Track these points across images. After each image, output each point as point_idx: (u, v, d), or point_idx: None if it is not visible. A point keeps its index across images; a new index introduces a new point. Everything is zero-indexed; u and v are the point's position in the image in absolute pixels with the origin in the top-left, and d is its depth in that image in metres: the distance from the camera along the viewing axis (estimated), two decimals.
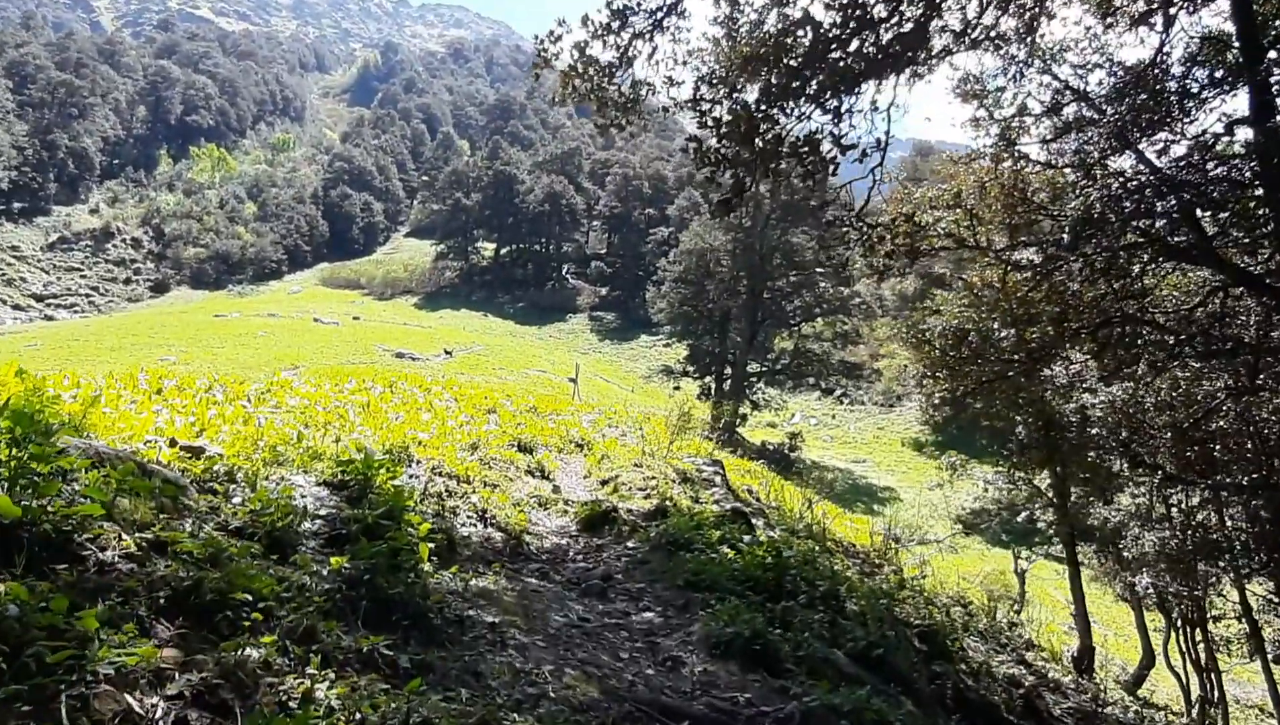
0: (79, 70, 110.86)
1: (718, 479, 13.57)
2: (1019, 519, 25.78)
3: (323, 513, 6.00)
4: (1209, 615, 18.51)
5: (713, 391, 54.44)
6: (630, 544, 9.01)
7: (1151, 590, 18.14)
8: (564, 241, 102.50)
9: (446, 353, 57.38)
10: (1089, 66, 12.64)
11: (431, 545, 6.13)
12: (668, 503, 10.98)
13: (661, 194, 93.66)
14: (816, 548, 11.87)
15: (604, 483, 12.45)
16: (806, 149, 9.44)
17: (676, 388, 57.74)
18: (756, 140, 9.37)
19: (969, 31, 9.57)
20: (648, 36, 10.23)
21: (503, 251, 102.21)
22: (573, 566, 7.98)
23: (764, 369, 54.99)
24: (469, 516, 8.80)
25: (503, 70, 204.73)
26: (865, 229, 11.44)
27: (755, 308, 52.15)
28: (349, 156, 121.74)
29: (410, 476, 9.46)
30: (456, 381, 26.87)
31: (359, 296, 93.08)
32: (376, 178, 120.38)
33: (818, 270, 49.40)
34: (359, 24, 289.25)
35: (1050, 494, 22.08)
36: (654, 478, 12.49)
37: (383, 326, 70.82)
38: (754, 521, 13.07)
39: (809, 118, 9.66)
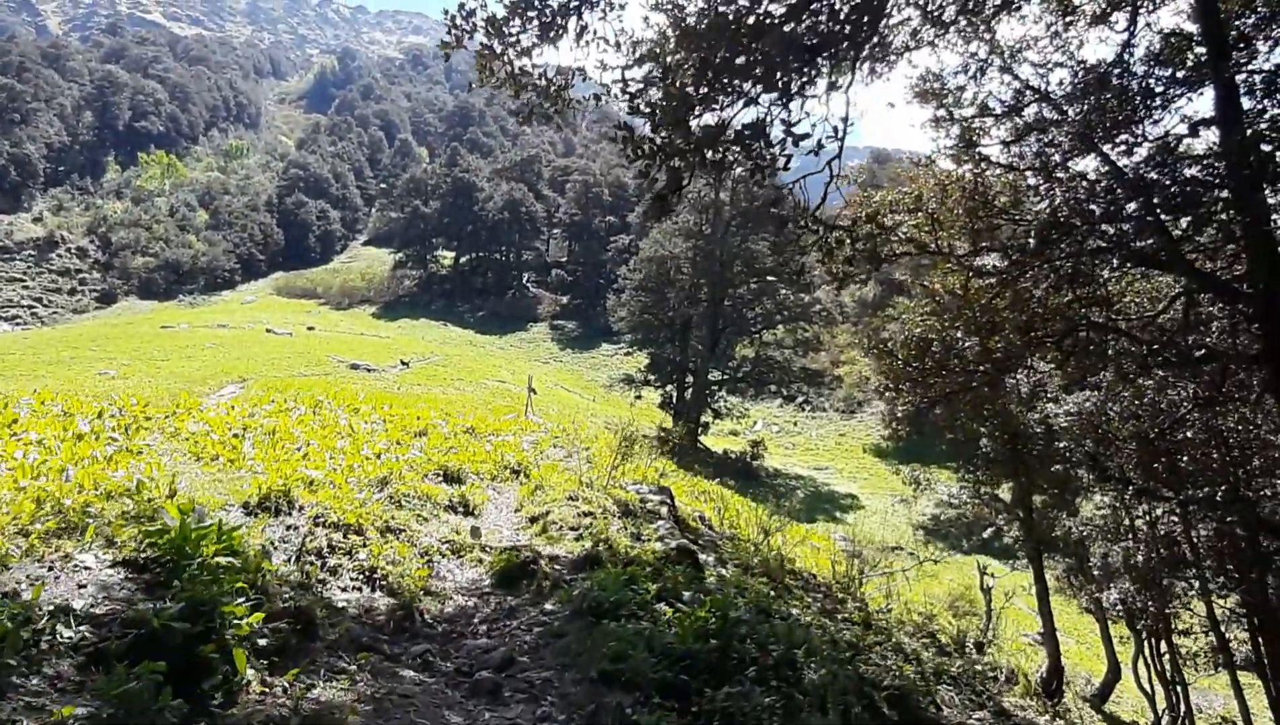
0: (21, 74, 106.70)
1: (664, 510, 12.24)
2: (984, 535, 24.89)
3: (100, 610, 4.56)
4: (1175, 628, 17.89)
5: (674, 400, 53.31)
6: (550, 605, 7.65)
7: (1120, 605, 17.59)
8: (524, 250, 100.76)
9: (403, 363, 55.58)
10: (1050, 65, 12.08)
11: (265, 641, 4.74)
12: (601, 546, 9.64)
13: (622, 201, 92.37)
14: (772, 591, 10.61)
15: (534, 519, 11.08)
16: (751, 136, 8.17)
17: (638, 396, 56.53)
18: (693, 125, 8.10)
19: (930, 11, 8.41)
20: (574, 11, 8.92)
21: (462, 260, 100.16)
22: (470, 645, 6.59)
23: (725, 377, 53.97)
24: (352, 579, 7.39)
25: (462, 77, 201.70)
26: (823, 232, 10.22)
27: (716, 315, 51.16)
28: (305, 164, 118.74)
29: (288, 527, 8.04)
30: (392, 398, 25.33)
31: (315, 306, 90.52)
32: (334, 185, 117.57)
33: (770, 278, 48.51)
34: (316, 30, 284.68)
35: (1016, 509, 21.21)
36: (591, 512, 11.15)
37: (338, 337, 68.73)
38: (704, 557, 11.79)
39: (755, 100, 8.40)
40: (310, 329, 71.23)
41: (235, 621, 4.75)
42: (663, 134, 8.61)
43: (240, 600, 5.08)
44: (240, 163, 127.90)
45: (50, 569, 4.87)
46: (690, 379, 52.77)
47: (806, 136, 8.82)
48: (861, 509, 42.55)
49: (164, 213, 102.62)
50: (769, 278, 49.09)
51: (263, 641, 4.94)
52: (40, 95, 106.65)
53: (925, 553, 18.09)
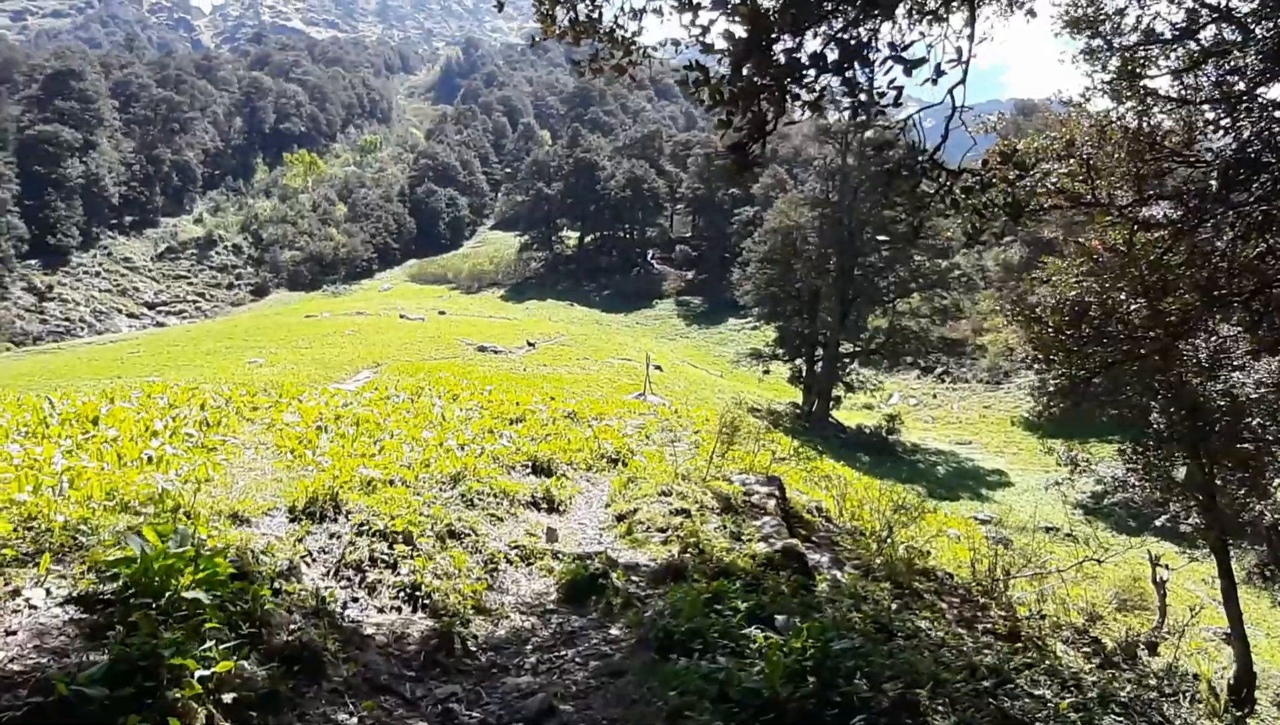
0: (179, 86, 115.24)
1: (771, 504, 10.86)
2: (1160, 523, 21.98)
3: (18, 667, 3.75)
4: None
5: (804, 374, 51.28)
6: (615, 630, 6.51)
7: None
8: (647, 226, 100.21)
9: (530, 344, 56.15)
10: None
11: (237, 694, 3.83)
12: (690, 552, 8.41)
13: (753, 175, 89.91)
14: (896, 600, 9.09)
15: (621, 518, 9.97)
16: (849, 61, 6.63)
17: (766, 371, 54.85)
18: (776, 53, 6.64)
19: None
20: None
21: (586, 239, 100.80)
22: (509, 684, 5.52)
23: (857, 349, 51.35)
24: (391, 597, 6.49)
25: (581, 54, 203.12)
26: (945, 179, 8.48)
27: (846, 286, 48.69)
28: (433, 153, 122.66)
29: (331, 536, 7.24)
30: (507, 379, 24.89)
31: (446, 291, 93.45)
32: (460, 173, 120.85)
33: (896, 243, 45.31)
34: (441, 23, 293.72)
35: (1195, 493, 18.40)
36: (685, 509, 9.93)
37: (468, 320, 70.38)
38: (816, 557, 10.37)
39: (853, 20, 6.84)
40: (441, 313, 73.28)
41: (189, 677, 3.83)
42: (743, 71, 7.17)
43: (209, 644, 4.18)
44: (374, 156, 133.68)
45: None
46: (820, 352, 50.58)
47: (920, 62, 7.14)
48: (1010, 486, 39.42)
49: (307, 208, 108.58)
50: (903, 244, 46.08)
51: (230, 696, 4.02)
52: (196, 104, 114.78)
53: (1085, 549, 15.76)
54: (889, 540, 11.56)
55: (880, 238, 46.40)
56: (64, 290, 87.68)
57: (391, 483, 9.01)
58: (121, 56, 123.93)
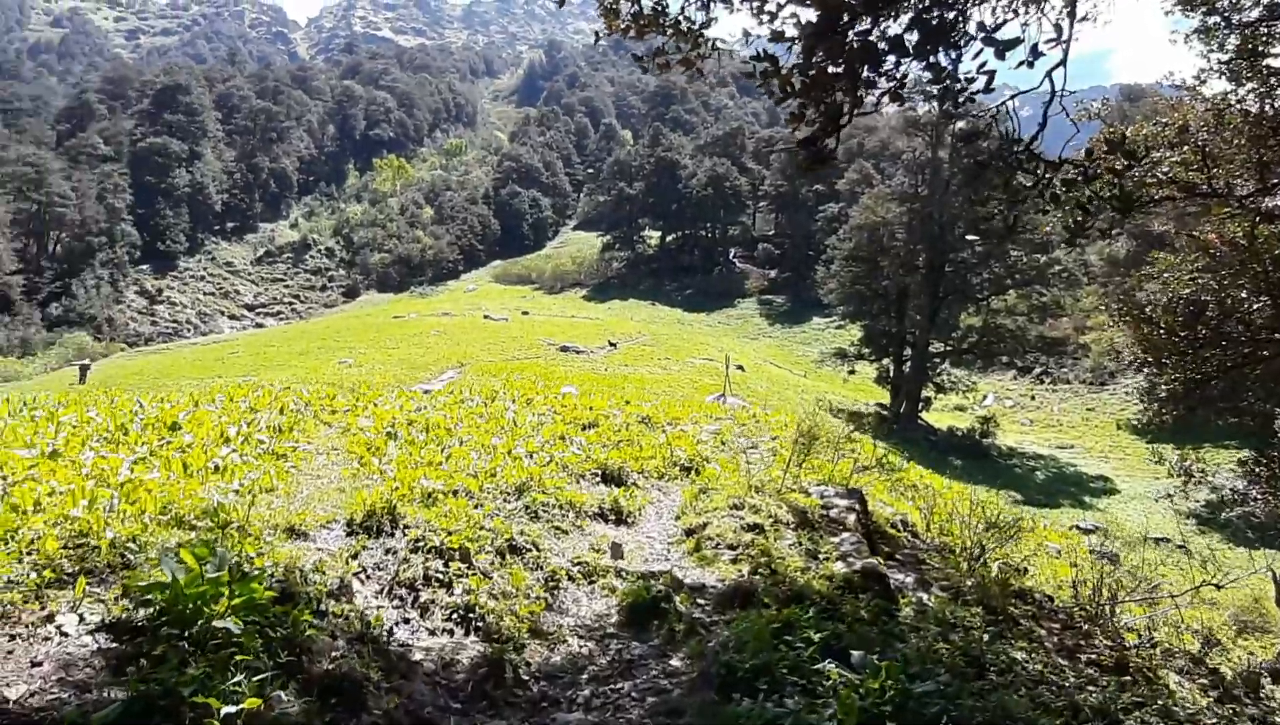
0: (276, 97, 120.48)
1: (850, 518, 10.23)
2: None
3: (39, 702, 3.59)
4: None
5: (891, 374, 49.77)
6: (676, 661, 6.09)
7: None
8: (729, 225, 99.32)
9: (611, 344, 56.20)
10: None
11: None
12: (761, 573, 7.92)
13: (829, 169, 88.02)
14: (989, 628, 8.38)
15: (689, 532, 9.52)
16: (933, 43, 6.03)
17: (851, 372, 53.47)
18: (850, 37, 6.11)
19: None
20: None
21: (668, 239, 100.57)
22: (560, 720, 5.17)
23: (948, 348, 49.48)
24: (444, 619, 6.23)
25: (664, 57, 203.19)
26: (1044, 171, 7.75)
27: (936, 283, 47.00)
28: (517, 156, 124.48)
29: (387, 552, 7.04)
30: (589, 378, 24.68)
31: (530, 291, 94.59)
32: (543, 174, 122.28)
33: (990, 239, 43.26)
34: (524, 26, 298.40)
35: None
36: (758, 524, 9.43)
37: (550, 320, 70.98)
38: (900, 578, 9.70)
39: (939, 1, 6.23)
40: (525, 314, 74.12)
41: (213, 716, 3.61)
42: (814, 58, 6.64)
43: (238, 678, 3.97)
44: (459, 160, 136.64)
45: (14, 638, 4.00)
46: (908, 352, 48.98)
47: (1013, 43, 6.47)
48: (1115, 493, 37.23)
49: (395, 211, 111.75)
50: (998, 239, 44.09)
51: None
52: (292, 114, 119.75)
53: (1201, 572, 14.50)
54: (982, 559, 10.76)
55: (970, 237, 44.50)
56: (172, 293, 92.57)
57: (454, 493, 8.80)
58: (224, 70, 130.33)
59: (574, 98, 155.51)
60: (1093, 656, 9.63)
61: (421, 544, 7.01)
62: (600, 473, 11.55)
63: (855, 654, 5.93)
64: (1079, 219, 7.69)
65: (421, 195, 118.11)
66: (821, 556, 9.06)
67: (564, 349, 52.87)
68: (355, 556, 6.77)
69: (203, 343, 72.20)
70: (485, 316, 69.35)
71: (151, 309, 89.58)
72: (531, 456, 11.39)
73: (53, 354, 66.47)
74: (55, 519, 5.43)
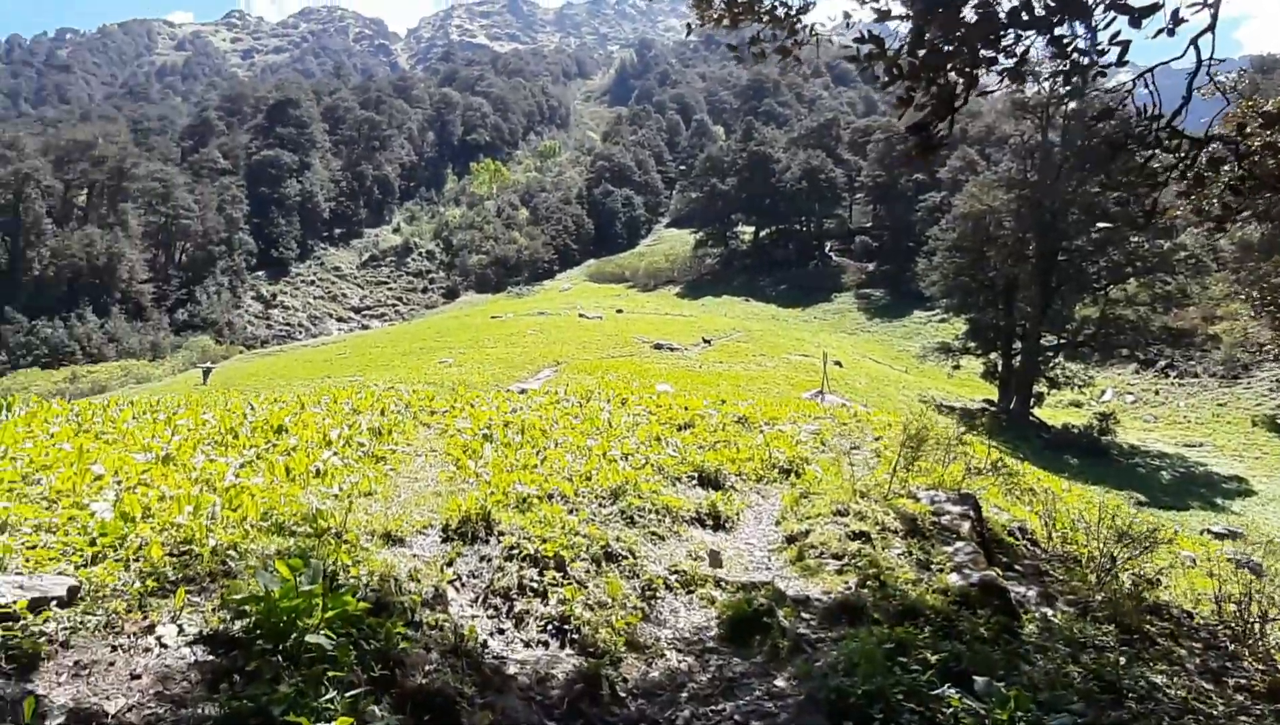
0: (379, 107, 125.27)
1: (964, 527, 9.61)
2: None
3: (134, 718, 3.54)
4: None
5: (999, 369, 47.65)
6: (781, 681, 5.74)
7: None
8: (825, 218, 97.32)
9: (705, 341, 55.79)
10: None
11: None
12: (869, 585, 7.47)
13: (938, 156, 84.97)
14: (1123, 649, 7.68)
15: (790, 540, 9.12)
16: (1061, 12, 5.47)
17: (956, 367, 51.50)
18: (965, 11, 5.60)
19: None
20: None
21: (762, 234, 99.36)
22: None
23: (1062, 341, 46.92)
24: (539, 630, 6.06)
25: (744, 43, 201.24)
26: (1187, 150, 7.02)
27: (1047, 272, 44.70)
28: (609, 155, 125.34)
29: (482, 559, 6.93)
30: (683, 376, 24.41)
31: (624, 289, 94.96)
32: (636, 172, 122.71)
33: (1111, 224, 40.71)
34: (615, 27, 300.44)
35: None
36: (864, 532, 8.94)
37: (644, 318, 71.04)
38: (1022, 591, 9.06)
39: None
40: (619, 312, 74.37)
41: None
42: (926, 36, 6.15)
43: (331, 695, 3.87)
44: (553, 161, 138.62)
45: (116, 648, 4.00)
46: (1018, 345, 46.75)
47: (1151, 9, 5.81)
48: (1251, 495, 34.55)
49: (492, 214, 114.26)
50: (1116, 224, 41.50)
51: None
52: (393, 122, 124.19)
53: None
54: (1112, 571, 9.94)
55: (1101, 225, 41.87)
56: (285, 298, 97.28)
57: (549, 498, 8.67)
58: (330, 83, 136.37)
59: (665, 95, 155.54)
60: (1242, 681, 8.76)
61: (516, 551, 6.88)
62: (697, 475, 11.26)
63: (979, 679, 5.45)
64: (1228, 201, 6.93)
65: (517, 197, 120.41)
66: (934, 568, 8.52)
67: (658, 346, 52.73)
68: (450, 564, 6.69)
69: (313, 345, 75.45)
70: (580, 315, 69.93)
71: (267, 313, 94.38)
72: (627, 459, 11.19)
73: (179, 357, 70.69)
74: (162, 526, 5.51)
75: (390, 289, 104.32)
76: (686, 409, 15.69)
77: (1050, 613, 8.65)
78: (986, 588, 8.00)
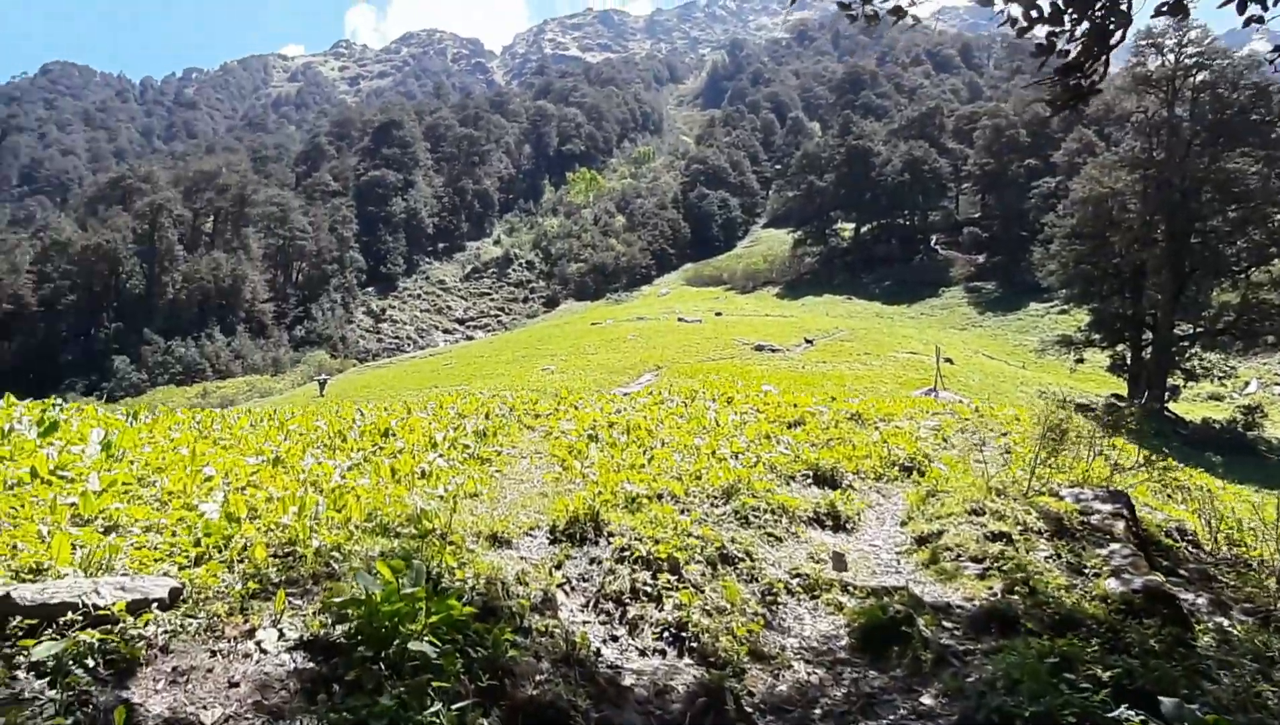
0: (477, 124, 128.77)
1: (1118, 526, 8.64)
2: None
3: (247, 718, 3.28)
4: None
5: (1128, 362, 44.65)
6: (927, 699, 5.11)
7: None
8: (929, 210, 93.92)
9: (807, 341, 54.59)
10: None
11: None
12: (1017, 591, 6.71)
13: (1043, 141, 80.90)
14: None
15: (921, 541, 8.39)
16: None
17: (1079, 360, 48.63)
18: None
19: None
20: None
21: (863, 230, 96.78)
22: None
23: (1199, 330, 43.51)
24: (654, 637, 5.62)
25: (850, 42, 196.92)
26: None
27: (1179, 256, 41.60)
28: (703, 158, 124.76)
29: (592, 561, 6.55)
30: (787, 377, 23.66)
31: (722, 292, 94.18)
32: (731, 174, 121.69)
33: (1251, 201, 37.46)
34: (706, 30, 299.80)
35: None
36: (1004, 532, 8.14)
37: (743, 320, 70.20)
38: (1191, 598, 8.05)
39: None
40: (718, 315, 73.75)
41: None
42: None
43: (436, 707, 3.54)
44: (648, 167, 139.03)
45: (215, 654, 3.79)
46: (1148, 335, 43.65)
47: None
48: None
49: (589, 222, 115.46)
50: (1257, 201, 38.21)
51: None
52: (491, 137, 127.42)
53: None
54: None
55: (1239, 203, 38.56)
56: (394, 312, 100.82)
57: (659, 497, 8.25)
58: (430, 104, 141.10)
59: (758, 94, 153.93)
60: None
61: (627, 553, 6.46)
62: (811, 474, 10.62)
63: (1166, 701, 4.67)
64: None
65: (613, 204, 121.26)
66: (1088, 572, 7.65)
67: (759, 348, 51.88)
68: (559, 566, 6.34)
69: (420, 356, 77.72)
70: (679, 319, 69.62)
71: (377, 327, 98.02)
72: (737, 457, 10.66)
73: (298, 371, 74.07)
74: (267, 526, 5.35)
75: (492, 300, 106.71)
76: (796, 407, 15.01)
77: (1226, 623, 7.63)
78: (1152, 594, 7.10)
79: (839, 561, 7.73)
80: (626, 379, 43.38)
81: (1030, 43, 6.05)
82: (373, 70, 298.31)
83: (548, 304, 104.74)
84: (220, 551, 4.88)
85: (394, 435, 10.89)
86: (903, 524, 9.32)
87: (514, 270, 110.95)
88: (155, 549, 4.79)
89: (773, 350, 51.45)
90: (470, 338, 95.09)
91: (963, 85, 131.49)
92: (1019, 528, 8.34)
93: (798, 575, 7.16)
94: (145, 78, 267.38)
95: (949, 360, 45.64)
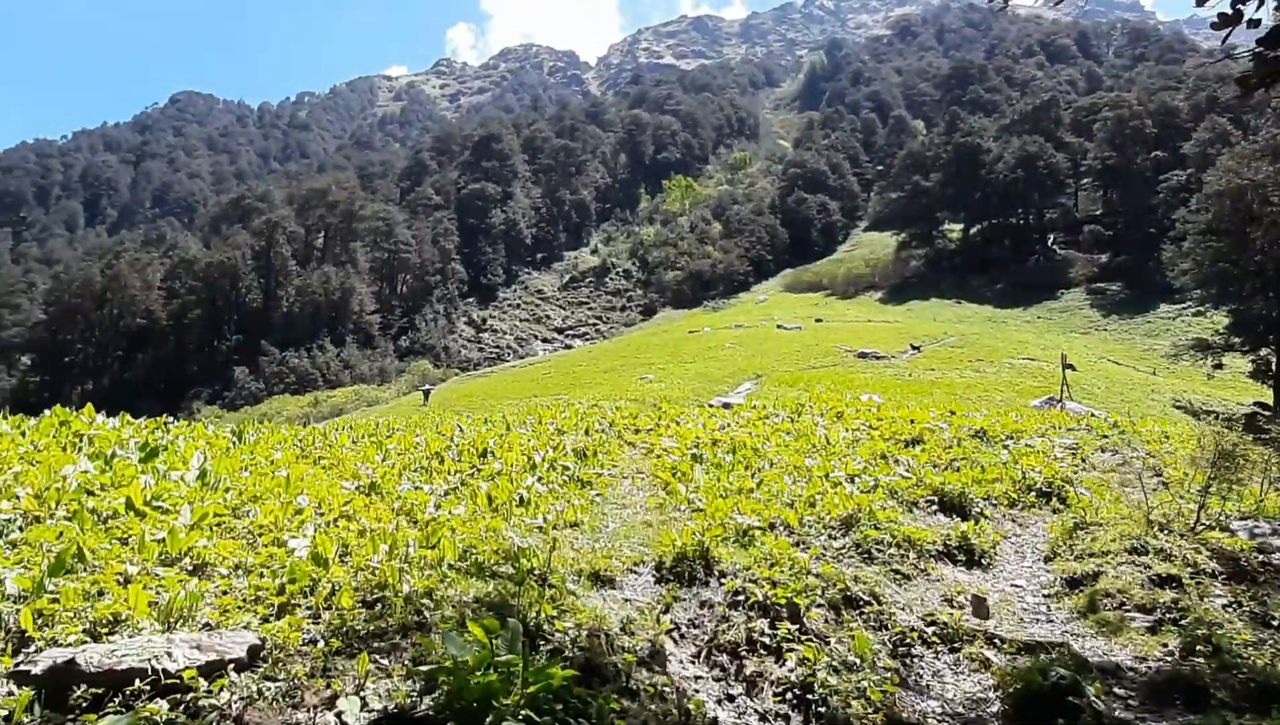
0: (573, 135, 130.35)
1: None
2: None
3: None
4: None
5: (1274, 367, 40.94)
6: None
7: None
8: (1045, 208, 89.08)
9: (913, 348, 52.60)
10: None
11: None
12: (1199, 650, 5.74)
13: (1171, 131, 75.68)
14: None
15: (1073, 584, 7.41)
16: None
17: (1217, 366, 45.07)
18: None
19: None
20: None
21: (972, 231, 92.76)
22: None
23: None
24: (776, 699, 4.97)
25: (955, 36, 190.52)
26: None
27: None
28: (801, 161, 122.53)
29: (702, 605, 5.95)
30: (894, 387, 22.49)
31: (822, 298, 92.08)
32: (830, 177, 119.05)
33: None
34: (802, 31, 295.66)
35: None
36: (1174, 575, 7.11)
37: (845, 326, 68.33)
38: None
39: None
40: (818, 321, 72.07)
41: None
42: None
43: None
44: (744, 172, 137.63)
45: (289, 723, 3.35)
46: None
47: None
48: None
49: (686, 230, 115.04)
50: None
51: None
52: (587, 148, 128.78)
53: None
54: None
55: None
56: (494, 322, 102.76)
57: (771, 528, 7.59)
58: (528, 116, 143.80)
59: (858, 94, 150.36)
60: None
61: (741, 597, 5.83)
62: (936, 499, 9.74)
63: None
64: None
65: (709, 211, 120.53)
66: (1275, 623, 6.56)
67: (862, 355, 50.25)
68: (667, 610, 5.77)
69: (520, 365, 78.80)
70: (778, 326, 68.31)
71: (478, 337, 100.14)
72: (853, 481, 9.87)
73: (403, 381, 76.17)
74: (357, 567, 4.98)
75: (590, 309, 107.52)
76: (913, 423, 14.01)
77: None
78: None
79: (979, 606, 6.87)
80: (726, 388, 42.59)
81: (1151, 28, 5.13)
82: (472, 86, 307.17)
83: (645, 312, 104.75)
84: (307, 596, 4.53)
85: (492, 455, 10.57)
86: (1046, 560, 8.35)
87: (611, 279, 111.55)
88: (239, 594, 4.47)
89: (877, 357, 49.78)
90: (568, 346, 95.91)
91: (1080, 76, 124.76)
92: (1189, 569, 7.29)
93: (933, 622, 6.36)
94: (263, 103, 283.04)
95: (1071, 367, 42.96)
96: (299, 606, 4.40)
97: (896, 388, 38.11)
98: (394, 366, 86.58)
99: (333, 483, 7.49)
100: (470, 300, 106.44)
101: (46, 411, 11.31)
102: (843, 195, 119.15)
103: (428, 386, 56.52)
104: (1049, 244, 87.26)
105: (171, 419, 11.44)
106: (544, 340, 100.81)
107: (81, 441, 8.07)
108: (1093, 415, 20.14)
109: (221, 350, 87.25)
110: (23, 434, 7.39)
